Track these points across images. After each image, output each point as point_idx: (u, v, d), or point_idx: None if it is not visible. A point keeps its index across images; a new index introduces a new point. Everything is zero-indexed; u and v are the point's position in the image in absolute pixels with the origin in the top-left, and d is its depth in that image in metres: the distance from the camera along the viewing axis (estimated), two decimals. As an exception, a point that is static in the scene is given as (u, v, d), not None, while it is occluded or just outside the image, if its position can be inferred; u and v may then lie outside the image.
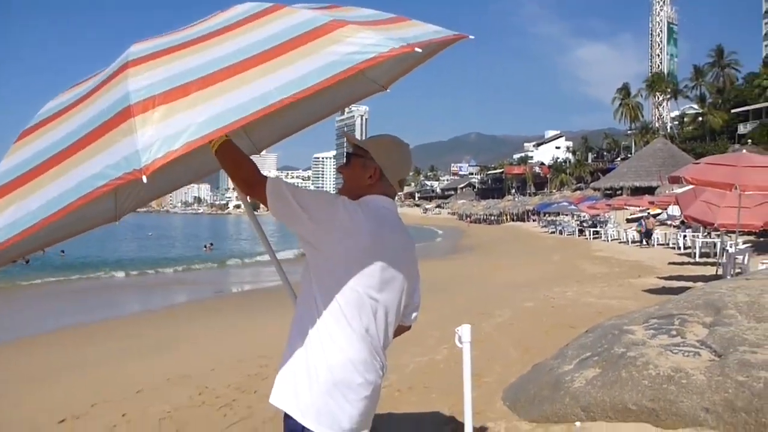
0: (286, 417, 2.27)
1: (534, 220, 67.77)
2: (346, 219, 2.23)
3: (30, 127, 2.31)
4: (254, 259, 35.43)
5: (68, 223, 2.91)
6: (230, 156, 2.25)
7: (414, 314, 2.59)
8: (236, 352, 9.46)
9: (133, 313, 17.27)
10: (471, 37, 2.32)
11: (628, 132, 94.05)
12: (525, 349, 8.09)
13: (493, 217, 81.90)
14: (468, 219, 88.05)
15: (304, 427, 2.22)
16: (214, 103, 1.77)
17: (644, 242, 30.85)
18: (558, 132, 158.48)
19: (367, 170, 2.48)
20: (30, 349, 11.19)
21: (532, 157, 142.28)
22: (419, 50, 1.91)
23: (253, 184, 2.25)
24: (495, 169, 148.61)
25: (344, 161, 2.55)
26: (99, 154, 1.81)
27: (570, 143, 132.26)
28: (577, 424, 4.86)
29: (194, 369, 8.31)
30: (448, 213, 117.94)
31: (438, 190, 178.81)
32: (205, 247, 46.97)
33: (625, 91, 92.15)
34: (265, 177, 2.25)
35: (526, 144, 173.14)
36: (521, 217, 75.07)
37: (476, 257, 30.82)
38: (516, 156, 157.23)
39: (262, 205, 2.31)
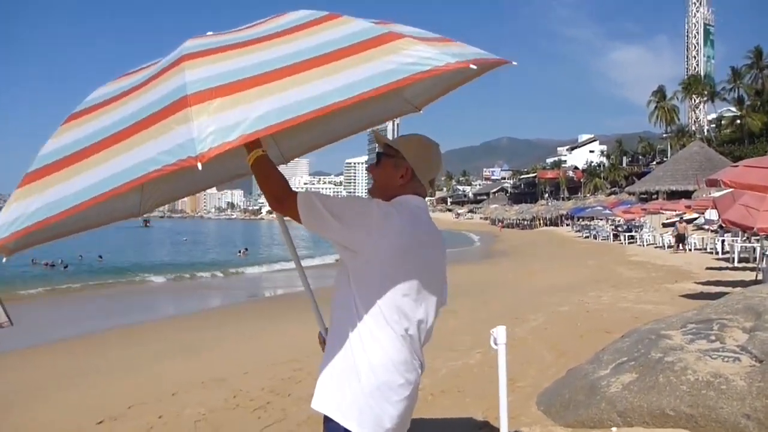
0: (327, 420, 2.26)
1: (567, 225, 67.01)
2: (381, 221, 2.22)
3: (79, 111, 2.34)
4: (287, 265, 35.67)
5: (93, 214, 2.98)
6: (265, 170, 2.29)
7: (440, 310, 2.58)
8: (269, 356, 9.53)
9: (168, 316, 17.52)
10: (514, 63, 2.29)
11: (664, 135, 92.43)
12: (560, 353, 8.01)
13: (525, 222, 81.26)
14: (500, 224, 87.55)
15: (346, 430, 2.21)
16: (271, 99, 1.80)
17: (679, 247, 30.31)
18: (592, 136, 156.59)
19: (398, 170, 2.47)
20: (68, 351, 11.41)
21: (565, 161, 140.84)
22: (474, 67, 1.93)
23: (283, 200, 2.26)
24: (528, 173, 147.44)
25: (374, 162, 2.54)
26: (152, 140, 1.83)
27: (604, 147, 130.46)
28: (614, 429, 4.80)
29: (228, 372, 8.39)
30: (481, 218, 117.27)
31: (470, 194, 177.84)
32: (240, 252, 47.44)
33: (660, 93, 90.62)
34: (295, 192, 2.27)
35: (559, 148, 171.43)
36: (554, 222, 74.32)
37: (509, 262, 30.60)
38: (549, 160, 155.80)
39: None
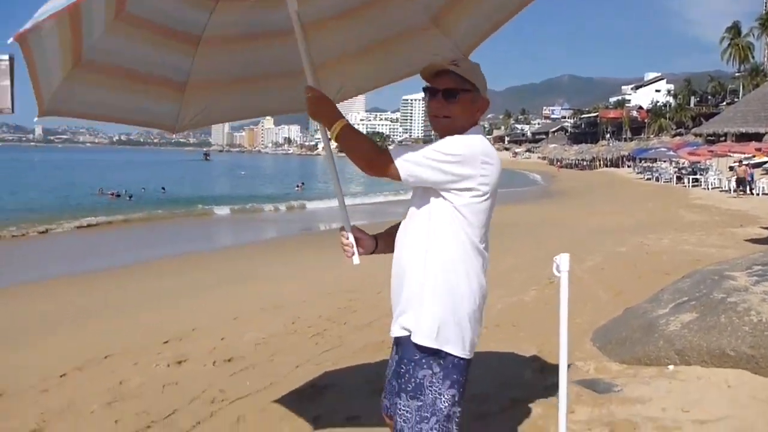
0: (415, 348, 2.32)
1: (629, 167, 65.27)
2: (487, 154, 2.32)
3: None
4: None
5: (127, 108, 3.20)
6: (352, 137, 2.36)
7: None
8: (325, 286, 9.74)
9: (229, 246, 18.03)
10: None
11: (736, 75, 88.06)
12: (616, 293, 7.94)
13: (585, 163, 79.47)
14: (558, 164, 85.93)
15: (443, 352, 2.31)
16: None
17: (740, 190, 29.30)
18: (659, 74, 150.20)
19: (475, 104, 2.45)
20: (141, 276, 11.92)
21: (629, 100, 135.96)
22: None
23: (375, 162, 2.32)
24: (589, 112, 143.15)
25: (446, 97, 2.41)
26: None
27: (671, 86, 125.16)
28: (670, 367, 4.77)
29: (286, 300, 8.63)
30: (539, 157, 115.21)
31: (528, 134, 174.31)
32: (297, 186, 48.06)
33: (735, 30, 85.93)
34: (386, 150, 2.31)
35: (623, 87, 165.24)
36: (615, 163, 72.44)
37: (567, 202, 30.14)
38: (612, 99, 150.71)
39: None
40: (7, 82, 1.98)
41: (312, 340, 6.51)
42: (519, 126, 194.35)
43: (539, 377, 4.96)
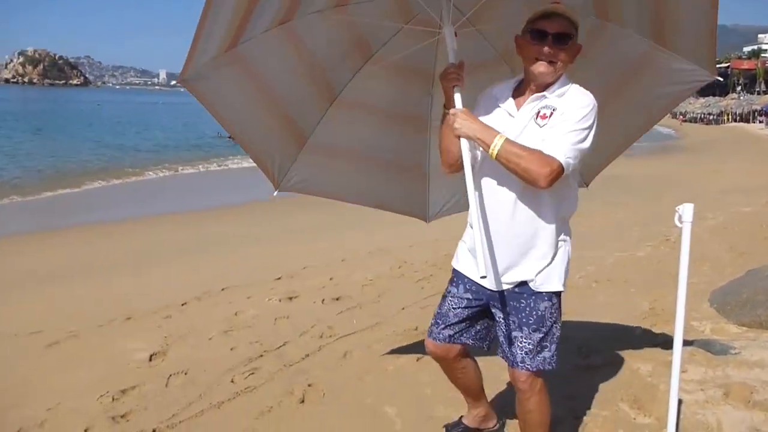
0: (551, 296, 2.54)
1: (761, 122, 60.75)
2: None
3: None
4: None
5: (252, 132, 3.18)
6: (516, 156, 2.27)
7: None
8: (432, 232, 9.76)
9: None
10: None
11: None
12: (738, 254, 7.50)
13: (711, 117, 74.52)
14: (681, 117, 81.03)
15: (550, 294, 2.54)
16: None
17: None
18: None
19: (575, 48, 2.42)
20: (258, 213, 12.43)
21: (766, 50, 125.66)
22: None
23: (549, 176, 2.26)
24: (719, 62, 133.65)
25: (557, 43, 2.33)
26: None
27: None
28: (796, 333, 4.49)
29: (393, 245, 8.75)
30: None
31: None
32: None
33: None
34: (551, 157, 2.27)
35: (760, 35, 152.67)
36: (745, 118, 67.47)
37: (689, 158, 28.50)
38: (746, 49, 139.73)
39: None
40: None
41: (418, 285, 6.60)
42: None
43: (650, 334, 4.81)
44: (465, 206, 3.33)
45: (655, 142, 39.68)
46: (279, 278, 6.97)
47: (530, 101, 2.42)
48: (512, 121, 2.43)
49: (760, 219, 10.10)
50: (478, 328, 2.73)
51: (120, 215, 12.67)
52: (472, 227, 2.52)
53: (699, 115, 78.44)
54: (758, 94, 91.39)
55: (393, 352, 4.56)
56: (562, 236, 2.53)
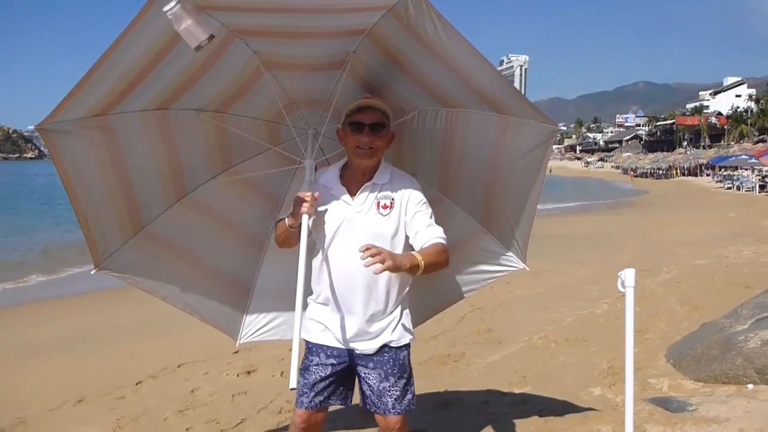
0: (407, 346, 2.80)
1: (708, 175, 62.89)
2: None
3: None
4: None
5: (188, 296, 3.34)
6: (432, 263, 2.60)
7: None
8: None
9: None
10: None
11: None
12: (693, 307, 7.65)
13: (661, 171, 76.88)
14: (632, 172, 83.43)
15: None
16: None
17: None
18: (739, 79, 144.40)
19: (390, 136, 2.74)
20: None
21: (707, 106, 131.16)
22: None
23: (448, 260, 2.72)
24: (665, 119, 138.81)
25: (374, 130, 2.62)
26: None
27: (753, 91, 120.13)
28: (750, 386, 4.57)
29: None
30: (612, 166, 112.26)
31: (601, 142, 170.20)
32: None
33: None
34: (441, 244, 2.66)
35: (701, 92, 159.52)
36: (693, 172, 69.87)
37: (641, 212, 29.24)
38: (689, 106, 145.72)
39: None
40: (194, 19, 2.05)
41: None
42: (591, 135, 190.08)
43: (610, 393, 4.83)
44: (282, 334, 3.53)
45: (611, 198, 40.73)
46: (236, 351, 6.80)
47: (364, 190, 2.70)
48: (350, 209, 2.70)
49: (712, 271, 10.36)
50: (342, 388, 2.86)
51: (76, 289, 12.34)
52: (325, 302, 2.76)
53: (649, 170, 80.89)
54: (704, 148, 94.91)
55: (354, 425, 4.47)
56: (407, 291, 2.81)
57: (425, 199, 2.75)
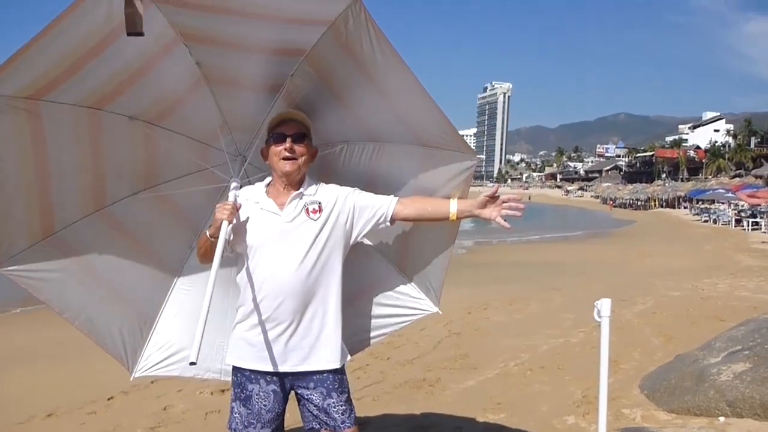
0: (342, 369, 2.75)
1: (685, 208, 63.68)
2: None
3: None
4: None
5: (87, 315, 3.13)
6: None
7: None
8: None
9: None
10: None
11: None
12: (667, 338, 7.72)
13: (639, 202, 77.75)
14: (611, 202, 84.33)
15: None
16: None
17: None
18: (717, 114, 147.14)
19: (313, 151, 2.77)
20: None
21: (686, 140, 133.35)
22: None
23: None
24: (645, 151, 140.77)
25: (296, 141, 2.63)
26: None
27: (731, 126, 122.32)
28: (721, 419, 4.61)
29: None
30: (591, 196, 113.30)
31: (581, 172, 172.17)
32: None
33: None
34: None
35: (680, 126, 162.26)
36: (671, 204, 70.72)
37: (620, 242, 29.52)
38: (669, 138, 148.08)
39: None
40: (140, 6, 1.97)
41: (354, 375, 6.51)
42: (571, 164, 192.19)
43: (583, 422, 4.85)
44: (182, 370, 3.27)
45: (589, 229, 41.09)
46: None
47: (291, 199, 2.68)
48: (280, 219, 2.66)
49: (687, 303, 10.47)
50: (281, 414, 2.79)
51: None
52: (255, 322, 2.65)
53: (628, 201, 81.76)
54: (682, 180, 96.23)
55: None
56: (340, 308, 2.74)
57: (354, 188, 2.77)
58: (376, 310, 3.20)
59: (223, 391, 5.89)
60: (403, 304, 3.20)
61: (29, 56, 2.18)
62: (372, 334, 3.25)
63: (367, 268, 3.02)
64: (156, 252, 3.20)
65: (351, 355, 2.91)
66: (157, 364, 3.27)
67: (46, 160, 2.59)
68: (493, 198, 2.61)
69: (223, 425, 4.92)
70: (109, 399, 5.75)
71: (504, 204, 2.60)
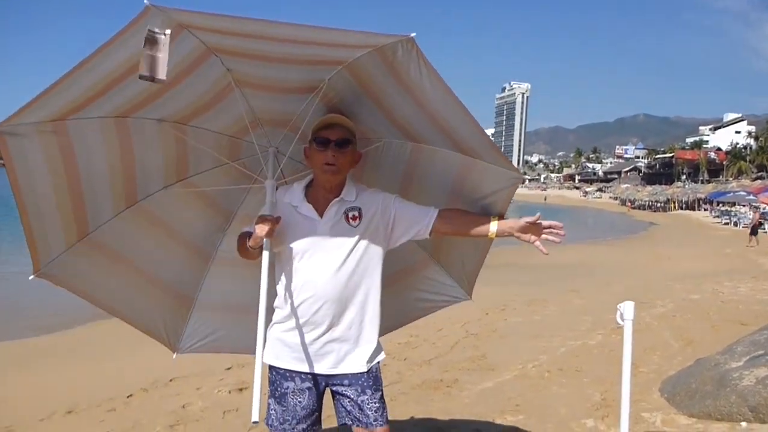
0: (377, 368, 2.76)
1: (705, 210, 63.07)
2: None
3: None
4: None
5: (130, 306, 3.28)
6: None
7: None
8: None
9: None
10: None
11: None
12: (687, 342, 7.64)
13: (659, 204, 77.06)
14: (629, 204, 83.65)
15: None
16: None
17: (750, 241, 27.65)
18: (739, 115, 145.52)
19: (357, 156, 2.74)
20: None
21: (707, 141, 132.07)
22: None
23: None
24: (664, 153, 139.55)
25: (340, 147, 2.60)
26: None
27: (753, 128, 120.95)
28: (743, 424, 4.55)
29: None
30: (610, 197, 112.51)
31: (600, 173, 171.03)
32: None
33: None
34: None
35: (701, 127, 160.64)
36: (691, 206, 70.08)
37: (637, 244, 29.30)
38: (689, 140, 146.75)
39: None
40: (165, 55, 1.98)
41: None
42: (590, 165, 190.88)
43: (602, 426, 4.81)
44: (222, 348, 3.50)
45: (608, 231, 40.78)
46: (229, 368, 6.79)
47: (332, 206, 2.65)
48: (319, 225, 2.64)
49: (707, 307, 10.36)
50: (317, 412, 2.79)
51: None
52: (293, 323, 2.65)
53: (647, 203, 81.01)
54: (702, 182, 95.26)
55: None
56: (379, 307, 2.74)
57: (395, 195, 2.76)
58: (409, 295, 3.30)
59: (241, 390, 5.93)
60: (432, 290, 3.28)
61: (61, 89, 2.26)
62: (404, 317, 3.38)
63: (402, 254, 3.00)
64: (189, 239, 3.30)
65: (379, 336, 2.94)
66: (196, 342, 3.48)
67: (76, 171, 2.70)
68: (534, 224, 2.58)
69: (241, 423, 4.96)
70: (128, 396, 5.80)
71: (545, 230, 2.59)
